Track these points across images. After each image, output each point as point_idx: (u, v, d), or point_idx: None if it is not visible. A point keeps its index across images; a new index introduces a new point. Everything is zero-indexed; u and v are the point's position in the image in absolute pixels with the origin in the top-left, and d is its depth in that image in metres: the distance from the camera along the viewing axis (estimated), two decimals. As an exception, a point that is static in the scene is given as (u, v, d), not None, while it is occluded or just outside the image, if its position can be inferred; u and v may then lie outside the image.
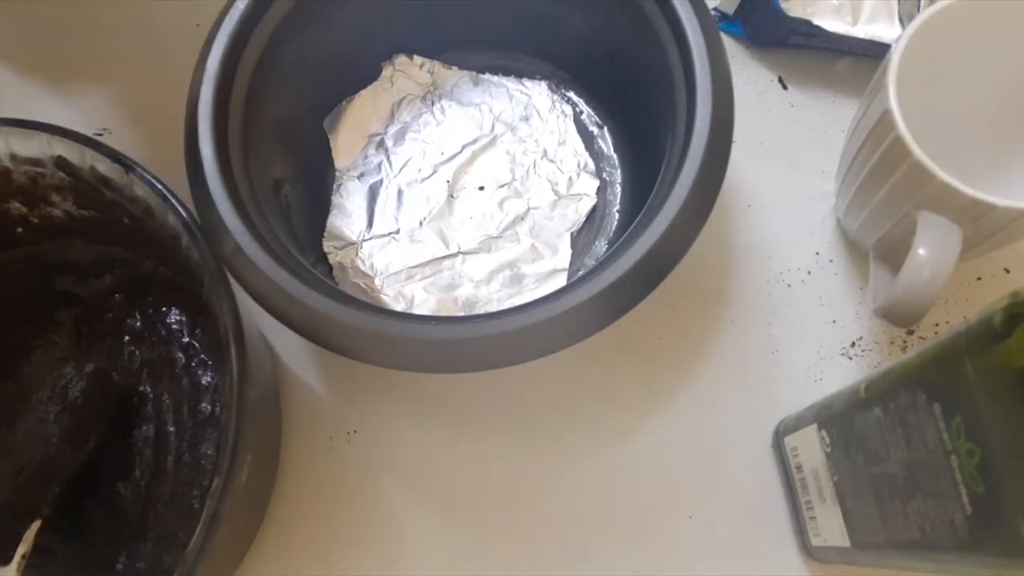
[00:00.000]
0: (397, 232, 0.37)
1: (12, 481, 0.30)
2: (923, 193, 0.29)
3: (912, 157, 0.28)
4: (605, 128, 0.39)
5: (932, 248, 0.28)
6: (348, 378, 0.36)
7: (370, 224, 0.38)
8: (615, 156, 0.39)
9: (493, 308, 0.35)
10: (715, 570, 0.33)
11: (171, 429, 0.33)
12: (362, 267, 0.37)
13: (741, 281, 0.37)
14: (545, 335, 0.28)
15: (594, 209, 0.38)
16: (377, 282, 0.36)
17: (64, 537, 0.32)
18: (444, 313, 0.35)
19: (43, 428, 0.31)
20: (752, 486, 0.34)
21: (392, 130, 0.39)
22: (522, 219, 0.37)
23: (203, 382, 0.34)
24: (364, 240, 0.37)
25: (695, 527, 0.34)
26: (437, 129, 0.39)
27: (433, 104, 0.40)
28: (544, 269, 0.36)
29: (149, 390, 0.34)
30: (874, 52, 0.38)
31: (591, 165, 0.38)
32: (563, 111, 0.39)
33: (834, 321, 0.36)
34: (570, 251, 0.37)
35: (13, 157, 0.33)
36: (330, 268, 0.37)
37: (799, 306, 0.37)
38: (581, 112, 0.40)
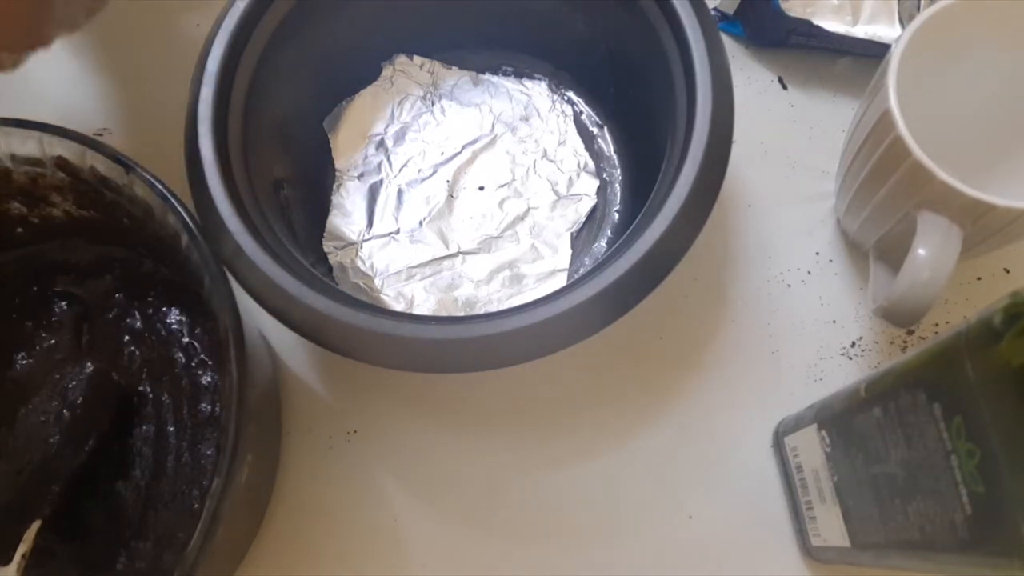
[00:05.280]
0: (397, 232, 0.37)
1: (12, 481, 0.30)
2: (923, 193, 0.29)
3: (912, 157, 0.28)
4: (605, 128, 0.39)
5: (932, 248, 0.28)
6: (348, 378, 0.36)
7: (370, 224, 0.38)
8: (615, 156, 0.39)
9: (493, 308, 0.35)
10: (715, 570, 0.33)
11: (171, 429, 0.33)
12: (362, 267, 0.37)
13: (741, 281, 0.37)
14: (545, 335, 0.28)
15: (594, 209, 0.38)
16: (377, 282, 0.36)
17: (64, 537, 0.32)
18: (444, 313, 0.35)
19: (43, 428, 0.31)
20: (752, 486, 0.34)
21: (392, 130, 0.39)
22: (522, 219, 0.37)
23: (203, 382, 0.34)
24: (364, 240, 0.37)
25: (695, 527, 0.34)
26: (437, 129, 0.39)
27: (433, 104, 0.40)
28: (544, 269, 0.36)
29: (149, 390, 0.34)
30: (874, 52, 0.38)
31: (591, 165, 0.38)
32: (563, 111, 0.39)
33: (834, 321, 0.36)
34: (570, 251, 0.37)
35: (13, 157, 0.33)
36: (330, 268, 0.37)
37: (799, 306, 0.37)
38: (581, 112, 0.40)
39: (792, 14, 0.38)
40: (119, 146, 0.31)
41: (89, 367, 0.32)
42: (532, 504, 0.34)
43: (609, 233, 0.37)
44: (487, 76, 0.41)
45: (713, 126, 0.29)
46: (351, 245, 0.37)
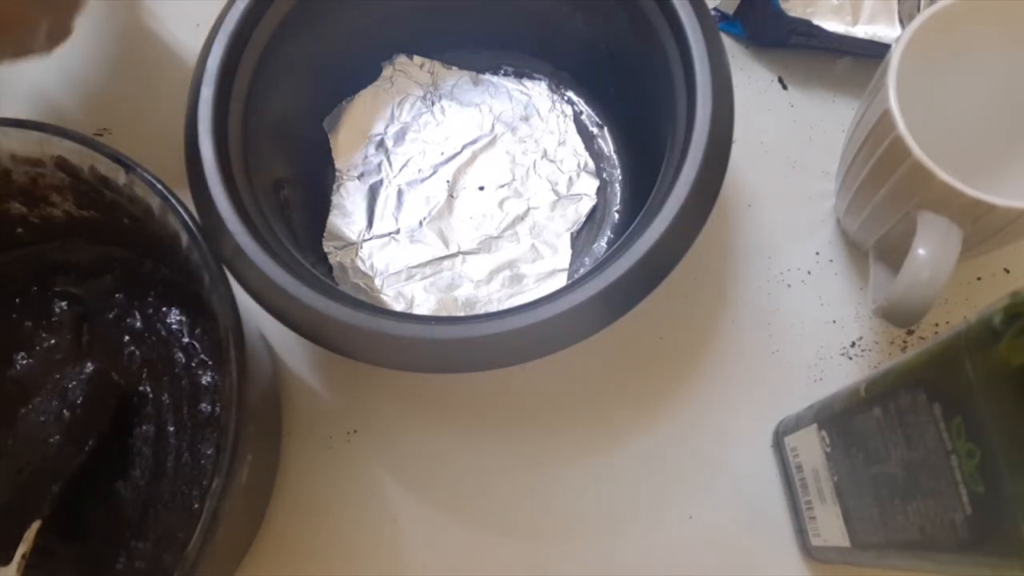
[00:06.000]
0: (397, 232, 0.37)
1: (12, 481, 0.30)
2: (923, 193, 0.29)
3: (912, 157, 0.28)
4: (605, 128, 0.39)
5: (932, 248, 0.28)
6: (348, 378, 0.36)
7: (370, 224, 0.38)
8: (615, 156, 0.39)
9: (493, 308, 0.35)
10: (715, 570, 0.33)
11: (171, 429, 0.33)
12: (362, 267, 0.37)
13: (741, 281, 0.37)
14: (545, 335, 0.28)
15: (594, 209, 0.38)
16: (377, 282, 0.36)
17: (64, 537, 0.32)
18: (444, 313, 0.35)
19: (43, 428, 0.31)
20: (752, 486, 0.34)
21: (392, 130, 0.39)
22: (522, 219, 0.37)
23: (203, 382, 0.34)
24: (364, 240, 0.37)
25: (695, 527, 0.34)
26: (437, 129, 0.39)
27: (433, 104, 0.40)
28: (544, 269, 0.36)
29: (149, 390, 0.34)
30: (874, 52, 0.38)
31: (591, 165, 0.38)
32: (563, 111, 0.39)
33: (834, 321, 0.36)
34: (570, 251, 0.37)
35: (13, 157, 0.33)
36: (330, 268, 0.37)
37: (799, 306, 0.37)
38: (581, 112, 0.40)
39: (792, 14, 0.38)
40: (119, 146, 0.31)
41: (89, 367, 0.32)
42: (532, 504, 0.34)
43: (609, 233, 0.37)
44: (487, 76, 0.41)
45: (713, 126, 0.29)
46: (351, 245, 0.37)
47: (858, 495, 0.27)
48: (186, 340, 0.35)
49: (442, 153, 0.39)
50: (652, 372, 0.36)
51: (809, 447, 0.30)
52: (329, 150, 0.39)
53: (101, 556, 0.32)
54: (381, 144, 0.39)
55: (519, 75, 0.41)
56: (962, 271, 0.37)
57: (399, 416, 0.36)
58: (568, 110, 0.40)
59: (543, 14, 0.38)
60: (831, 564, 0.32)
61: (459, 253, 0.37)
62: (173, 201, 0.30)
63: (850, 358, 0.36)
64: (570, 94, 0.40)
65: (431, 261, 0.37)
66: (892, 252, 0.33)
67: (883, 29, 0.38)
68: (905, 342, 0.36)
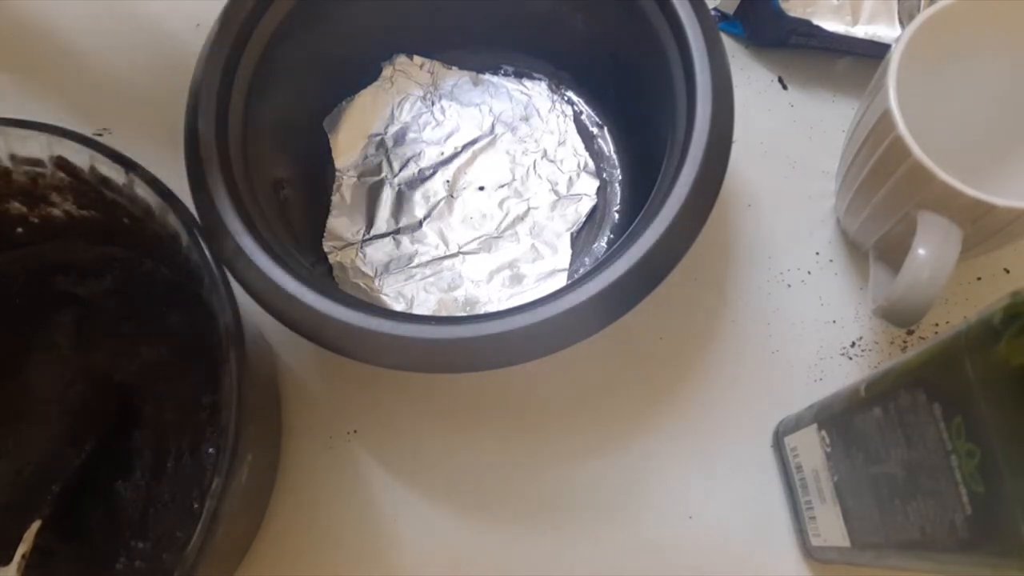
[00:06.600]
0: (397, 232, 0.37)
1: (12, 481, 0.30)
2: (923, 193, 0.29)
3: (912, 157, 0.28)
4: (605, 128, 0.39)
5: (932, 248, 0.28)
6: (348, 378, 0.36)
7: (370, 224, 0.38)
8: (615, 156, 0.39)
9: (493, 308, 0.35)
10: (715, 570, 0.33)
11: (171, 429, 0.33)
12: (362, 267, 0.37)
13: (741, 281, 0.37)
14: (545, 335, 0.28)
15: (594, 209, 0.38)
16: (377, 282, 0.36)
17: (64, 537, 0.32)
18: (444, 313, 0.35)
19: (43, 428, 0.31)
20: (752, 486, 0.34)
21: (392, 130, 0.39)
22: (522, 219, 0.37)
23: (203, 382, 0.34)
24: (364, 240, 0.37)
25: (695, 527, 0.34)
26: (437, 129, 0.39)
27: (433, 104, 0.40)
28: (544, 269, 0.36)
29: (149, 390, 0.34)
30: (874, 52, 0.38)
31: (591, 165, 0.38)
32: (563, 111, 0.39)
33: (834, 321, 0.36)
34: (570, 251, 0.37)
35: (13, 157, 0.33)
36: (330, 268, 0.37)
37: (799, 306, 0.37)
38: (581, 112, 0.40)
39: (792, 14, 0.38)
40: (119, 146, 0.31)
41: (89, 367, 0.32)
42: (532, 504, 0.34)
43: (609, 233, 0.37)
44: (487, 76, 0.41)
45: (713, 126, 0.30)
46: (351, 245, 0.37)
47: (858, 495, 0.27)
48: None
49: (442, 153, 0.39)
50: (652, 372, 0.36)
51: (809, 447, 0.30)
52: (329, 150, 0.39)
53: (101, 556, 0.32)
54: (381, 144, 0.39)
55: (519, 75, 0.41)
56: (962, 271, 0.37)
57: (399, 416, 0.36)
58: (568, 110, 0.40)
59: (543, 14, 0.38)
60: (831, 564, 0.32)
61: (459, 253, 0.37)
62: (173, 201, 0.30)
63: (850, 358, 0.36)
64: (570, 94, 0.40)
65: (431, 261, 0.37)
66: (892, 252, 0.33)
67: (883, 29, 0.38)
68: (905, 342, 0.36)
